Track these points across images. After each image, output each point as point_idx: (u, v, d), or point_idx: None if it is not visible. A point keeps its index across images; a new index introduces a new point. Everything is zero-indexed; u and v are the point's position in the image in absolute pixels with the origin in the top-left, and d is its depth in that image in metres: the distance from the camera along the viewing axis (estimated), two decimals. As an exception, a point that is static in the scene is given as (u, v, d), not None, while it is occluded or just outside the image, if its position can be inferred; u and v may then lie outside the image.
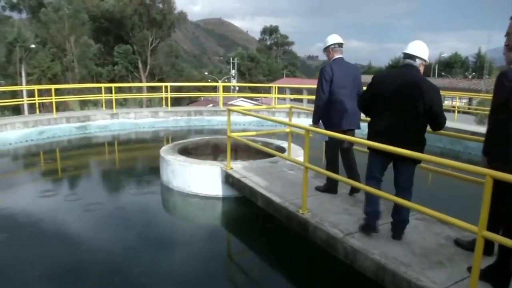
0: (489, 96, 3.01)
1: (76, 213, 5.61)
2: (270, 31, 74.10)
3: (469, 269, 2.93)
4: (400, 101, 3.39)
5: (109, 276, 3.93)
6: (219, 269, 4.31)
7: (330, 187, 4.80)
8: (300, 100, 34.16)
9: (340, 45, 4.66)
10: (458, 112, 14.66)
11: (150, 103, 37.43)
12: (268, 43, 74.68)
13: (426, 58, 3.50)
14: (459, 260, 3.22)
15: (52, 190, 6.78)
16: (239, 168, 5.90)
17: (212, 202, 5.89)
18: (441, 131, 3.90)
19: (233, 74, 54.83)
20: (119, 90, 20.23)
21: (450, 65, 53.03)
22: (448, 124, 10.66)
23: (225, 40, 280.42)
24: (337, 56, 4.65)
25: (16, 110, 31.19)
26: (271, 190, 4.94)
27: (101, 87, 14.58)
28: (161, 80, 41.17)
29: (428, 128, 3.57)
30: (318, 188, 4.88)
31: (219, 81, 40.63)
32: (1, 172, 8.35)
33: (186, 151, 7.20)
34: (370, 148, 3.59)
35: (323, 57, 4.88)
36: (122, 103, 35.53)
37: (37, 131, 10.97)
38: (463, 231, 3.52)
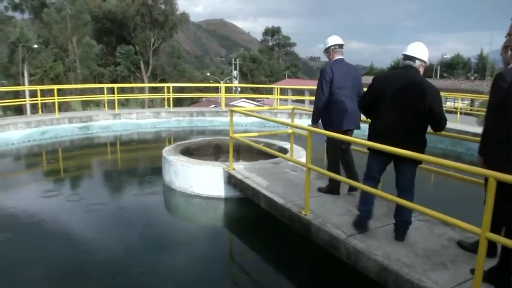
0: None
1: (78, 213, 5.62)
2: (272, 32, 74.12)
3: (472, 270, 2.92)
4: (400, 102, 3.41)
5: (111, 276, 3.94)
6: (221, 270, 4.31)
7: (333, 188, 4.81)
8: (302, 101, 34.13)
9: (341, 46, 4.69)
10: (460, 113, 14.63)
11: (152, 103, 37.51)
12: (270, 44, 74.70)
13: (425, 59, 3.53)
14: (462, 261, 3.21)
15: (54, 190, 6.79)
16: (241, 169, 5.91)
17: (214, 203, 5.90)
18: (443, 133, 3.91)
19: (235, 75, 54.86)
20: (121, 90, 20.26)
21: (452, 67, 52.92)
22: (450, 125, 10.71)
23: (227, 41, 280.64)
24: (337, 57, 4.67)
25: (19, 110, 31.32)
26: (273, 191, 4.94)
27: (103, 88, 14.60)
28: (163, 80, 41.23)
29: (430, 129, 3.59)
30: (320, 189, 4.88)
31: (221, 82, 40.68)
32: (4, 172, 8.37)
33: (188, 152, 7.21)
34: (370, 148, 3.61)
35: (325, 58, 4.90)
36: (124, 104, 35.59)
37: (39, 131, 11.00)
38: (466, 233, 3.52)
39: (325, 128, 4.57)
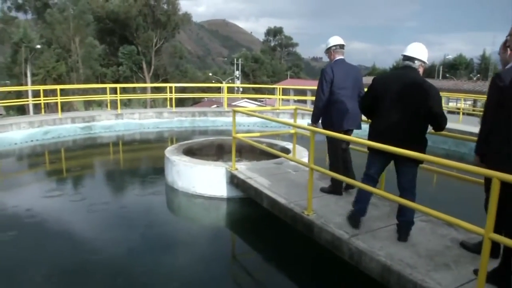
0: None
1: (80, 213, 5.63)
2: (274, 32, 74.17)
3: (475, 271, 2.92)
4: (400, 102, 3.43)
5: (113, 276, 3.94)
6: (223, 270, 4.31)
7: (335, 188, 4.81)
8: (304, 102, 34.12)
9: (342, 46, 4.70)
10: (463, 114, 14.60)
11: (154, 103, 37.54)
12: (272, 44, 74.76)
13: (425, 59, 3.55)
14: (465, 262, 3.21)
15: (56, 190, 6.81)
16: (244, 169, 5.91)
17: (217, 203, 5.90)
18: (446, 133, 3.91)
19: (237, 75, 54.88)
20: (124, 90, 20.25)
21: (455, 67, 52.86)
22: (453, 126, 10.70)
23: (229, 41, 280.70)
24: (338, 57, 4.69)
25: (21, 110, 31.39)
26: (276, 191, 4.94)
27: (105, 88, 14.63)
28: (165, 80, 41.29)
29: (434, 130, 3.59)
30: (323, 190, 4.88)
31: (223, 82, 40.69)
32: (7, 172, 8.41)
33: (190, 152, 7.22)
34: (370, 148, 3.63)
35: (327, 58, 4.91)
36: (126, 104, 35.65)
37: (42, 131, 11.03)
38: (469, 233, 3.51)
39: (326, 128, 4.59)
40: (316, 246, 4.01)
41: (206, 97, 36.73)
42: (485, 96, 3.11)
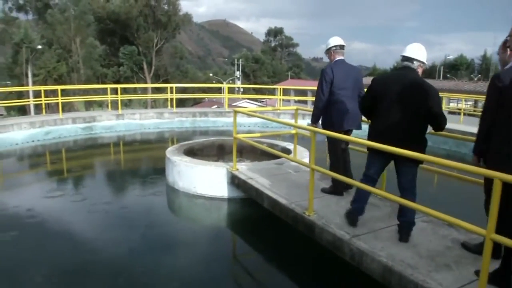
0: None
1: (81, 213, 5.63)
2: (275, 32, 74.19)
3: (477, 272, 2.92)
4: (400, 102, 3.44)
5: (113, 276, 3.94)
6: (224, 270, 4.31)
7: (336, 189, 4.81)
8: (305, 102, 34.14)
9: (342, 47, 4.72)
10: (464, 114, 14.59)
11: (154, 104, 37.55)
12: (273, 44, 74.79)
13: (424, 60, 3.57)
14: (466, 263, 3.21)
15: (57, 190, 6.81)
16: (244, 169, 5.91)
17: (218, 203, 5.90)
18: (447, 134, 3.91)
19: (238, 76, 54.89)
20: (124, 91, 20.27)
21: (456, 67, 52.80)
22: (454, 126, 10.69)
23: (229, 41, 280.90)
24: (338, 58, 4.70)
25: (22, 111, 31.45)
26: (277, 191, 4.94)
27: (106, 88, 14.64)
28: (166, 81, 41.30)
29: (433, 130, 3.60)
30: (324, 190, 4.88)
31: (224, 82, 40.69)
32: (8, 172, 8.42)
33: (191, 152, 7.22)
34: (370, 148, 3.64)
35: (327, 59, 4.92)
36: (127, 104, 35.69)
37: (43, 131, 11.04)
38: (470, 234, 3.51)
39: (326, 128, 4.60)
40: (317, 247, 4.01)
41: (207, 98, 36.73)
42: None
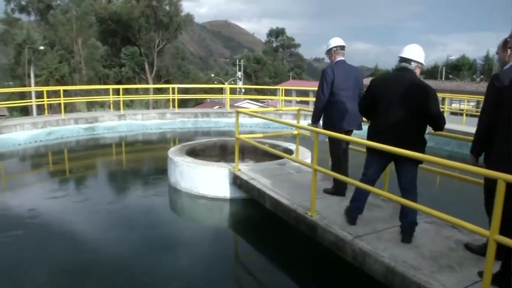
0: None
1: (83, 213, 5.64)
2: (277, 33, 74.17)
3: (480, 273, 2.91)
4: (398, 103, 3.46)
5: (114, 276, 3.95)
6: (226, 270, 4.31)
7: (338, 189, 4.81)
8: (306, 102, 34.14)
9: (342, 47, 4.72)
10: (466, 115, 14.55)
11: (156, 104, 37.60)
12: (274, 45, 74.76)
13: (421, 61, 3.58)
14: (469, 264, 3.19)
15: (59, 190, 6.83)
16: (246, 170, 5.90)
17: (220, 204, 5.90)
18: (449, 134, 3.91)
19: (239, 76, 54.91)
20: (126, 91, 20.30)
21: (458, 68, 52.71)
22: (456, 127, 10.66)
23: (231, 42, 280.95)
24: (339, 58, 4.71)
25: (25, 111, 31.53)
26: (279, 192, 4.93)
27: (108, 89, 14.66)
28: (167, 81, 41.34)
29: (433, 130, 3.60)
30: (326, 191, 4.88)
31: (226, 83, 40.72)
32: (11, 173, 8.44)
33: (194, 153, 7.22)
34: (369, 149, 3.64)
35: (328, 59, 4.91)
36: (128, 105, 35.74)
37: (45, 132, 11.05)
38: (473, 235, 3.50)
39: (327, 129, 4.61)
40: (319, 247, 4.01)
41: (209, 98, 36.78)
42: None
